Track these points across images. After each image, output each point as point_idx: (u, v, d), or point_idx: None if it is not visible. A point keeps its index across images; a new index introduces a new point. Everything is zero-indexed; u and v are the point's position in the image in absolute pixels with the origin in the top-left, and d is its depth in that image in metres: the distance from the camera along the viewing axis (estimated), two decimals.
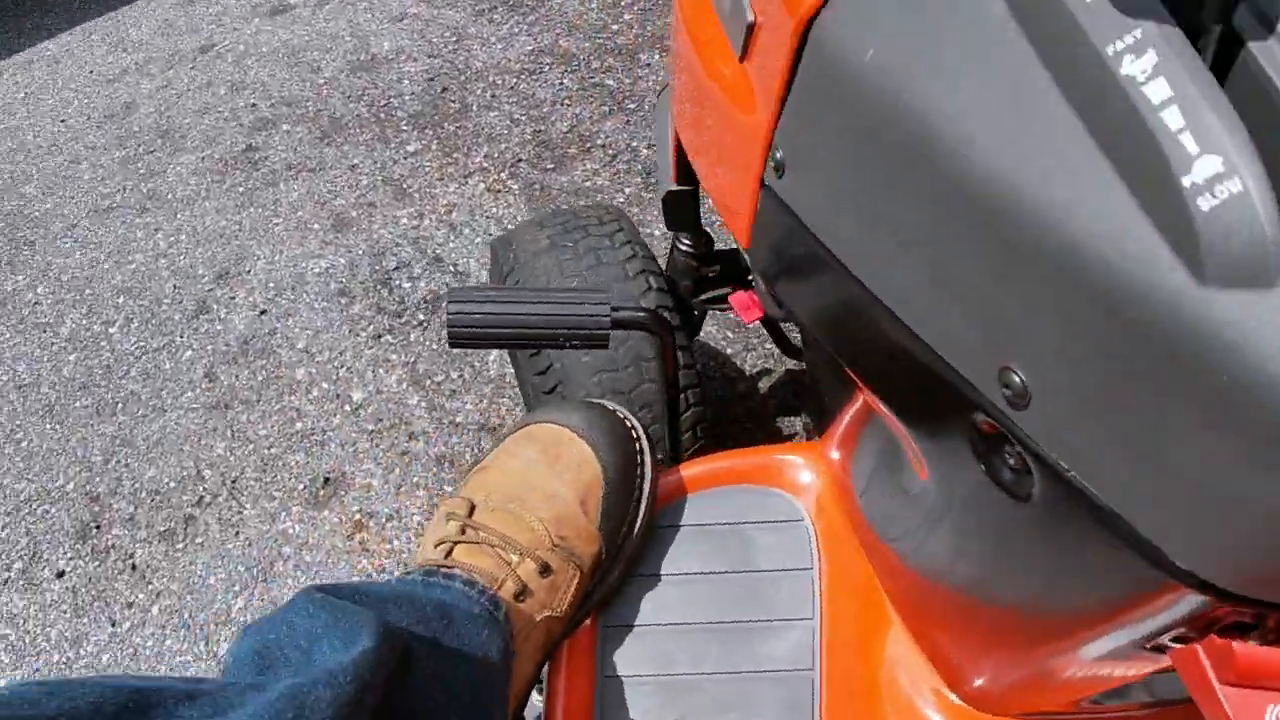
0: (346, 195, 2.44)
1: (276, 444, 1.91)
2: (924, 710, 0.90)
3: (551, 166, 2.38)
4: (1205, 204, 0.42)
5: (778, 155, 0.72)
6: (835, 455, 1.02)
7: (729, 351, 1.92)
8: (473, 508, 0.86)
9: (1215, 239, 0.42)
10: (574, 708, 0.92)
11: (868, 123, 0.59)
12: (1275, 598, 0.48)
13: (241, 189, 2.54)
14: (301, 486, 1.83)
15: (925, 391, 0.65)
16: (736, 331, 1.95)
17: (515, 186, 2.36)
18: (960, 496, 0.71)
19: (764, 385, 1.86)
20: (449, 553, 0.83)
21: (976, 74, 0.51)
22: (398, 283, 2.18)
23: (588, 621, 0.96)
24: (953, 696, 0.88)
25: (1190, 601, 0.51)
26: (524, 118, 2.56)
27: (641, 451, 0.95)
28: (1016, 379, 0.52)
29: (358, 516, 1.77)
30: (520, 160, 2.42)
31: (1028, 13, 0.49)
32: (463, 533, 0.84)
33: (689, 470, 1.04)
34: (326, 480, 1.83)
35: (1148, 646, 0.59)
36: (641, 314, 1.00)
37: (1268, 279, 0.41)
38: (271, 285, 2.25)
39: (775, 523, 1.02)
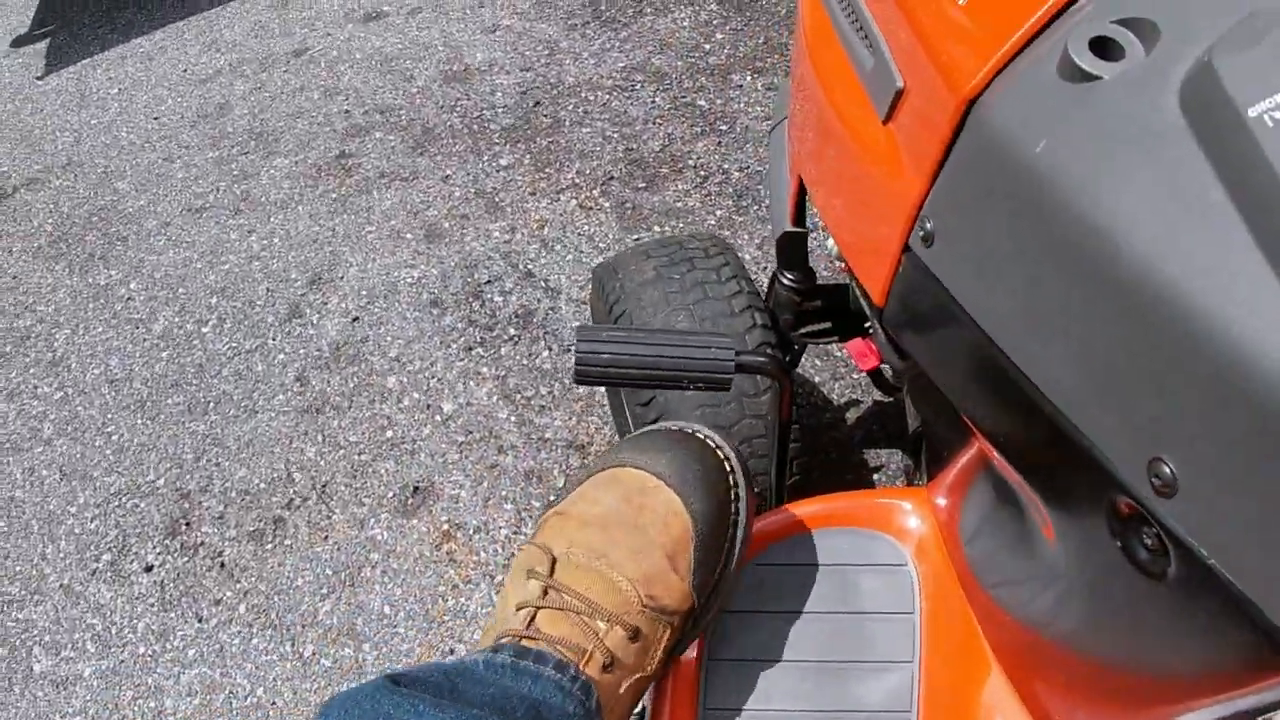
0: (439, 206, 2.46)
1: (367, 451, 1.93)
2: None
3: (643, 185, 2.39)
4: None
5: (928, 225, 0.71)
6: (942, 501, 1.02)
7: (817, 380, 1.92)
8: (554, 562, 0.80)
9: None
10: None
11: (1033, 211, 0.59)
12: None
13: (335, 195, 2.58)
14: (391, 494, 1.85)
15: (1063, 466, 0.65)
16: (824, 359, 1.95)
17: (607, 204, 2.37)
18: (1087, 564, 0.70)
19: (851, 416, 1.86)
20: (531, 619, 0.78)
21: (1152, 183, 0.52)
22: (489, 296, 2.19)
23: (693, 654, 0.96)
24: None
25: None
26: (616, 135, 2.57)
27: (735, 486, 0.88)
28: (1167, 470, 0.52)
29: (445, 527, 1.78)
30: (612, 178, 2.44)
31: (1207, 130, 0.49)
32: (545, 594, 0.78)
33: (796, 511, 1.04)
34: (416, 489, 1.85)
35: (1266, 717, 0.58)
36: (764, 360, 1.00)
37: None
38: (364, 293, 2.27)
39: (879, 566, 1.02)
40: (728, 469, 0.87)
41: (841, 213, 0.96)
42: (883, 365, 1.31)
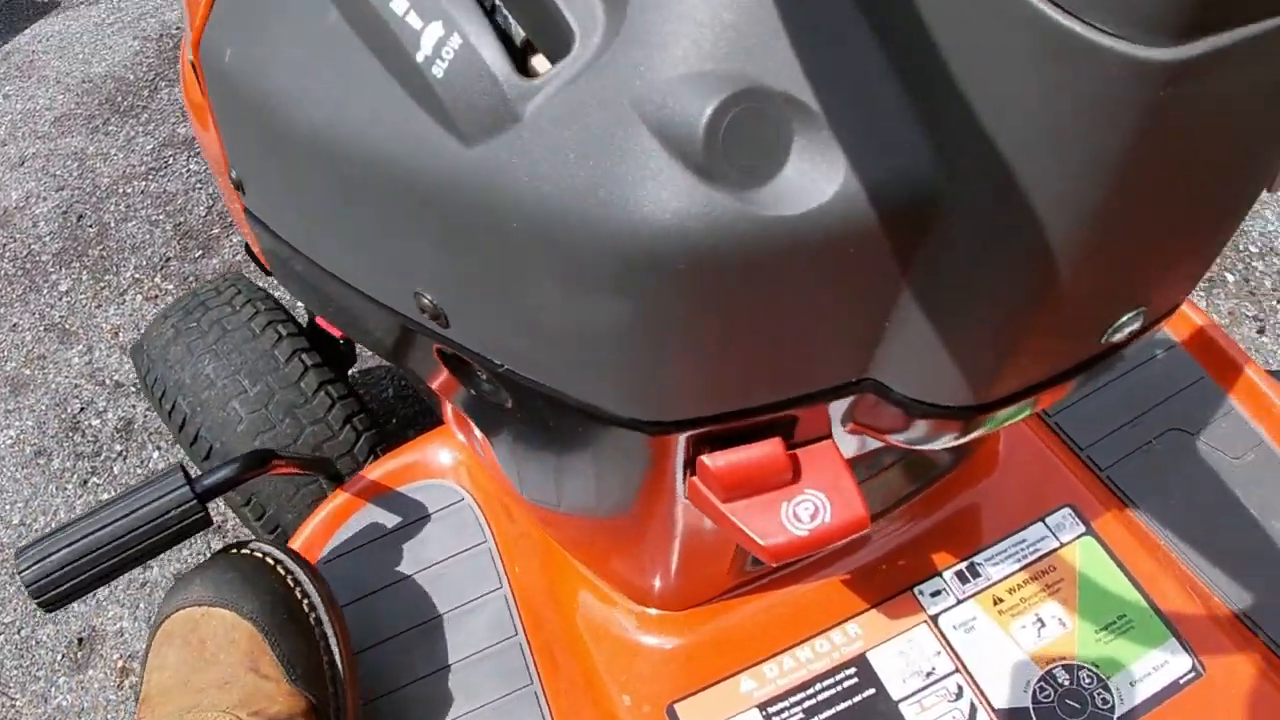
0: (15, 357, 2.36)
1: (24, 625, 1.87)
2: (627, 633, 0.92)
3: (200, 253, 2.36)
4: (439, 70, 0.44)
5: (233, 175, 0.71)
6: (457, 431, 1.05)
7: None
8: None
9: (456, 98, 0.43)
10: None
11: (250, 116, 0.60)
12: (692, 413, 0.50)
13: None
14: (59, 657, 1.80)
15: (401, 341, 0.66)
16: None
17: (171, 286, 2.32)
18: (491, 429, 0.74)
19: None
20: None
21: (288, 36, 0.53)
22: (87, 422, 2.13)
23: None
24: (650, 610, 0.92)
25: (667, 447, 0.54)
26: (161, 216, 2.51)
27: (283, 567, 0.86)
28: (426, 300, 0.54)
29: (120, 663, 1.75)
30: (169, 259, 2.39)
31: None
32: None
33: (336, 501, 1.05)
34: (80, 641, 1.80)
35: (686, 499, 0.61)
36: (235, 466, 0.93)
37: (511, 114, 0.42)
38: None
39: (439, 511, 1.03)
40: (269, 561, 0.86)
41: (226, 200, 0.97)
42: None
